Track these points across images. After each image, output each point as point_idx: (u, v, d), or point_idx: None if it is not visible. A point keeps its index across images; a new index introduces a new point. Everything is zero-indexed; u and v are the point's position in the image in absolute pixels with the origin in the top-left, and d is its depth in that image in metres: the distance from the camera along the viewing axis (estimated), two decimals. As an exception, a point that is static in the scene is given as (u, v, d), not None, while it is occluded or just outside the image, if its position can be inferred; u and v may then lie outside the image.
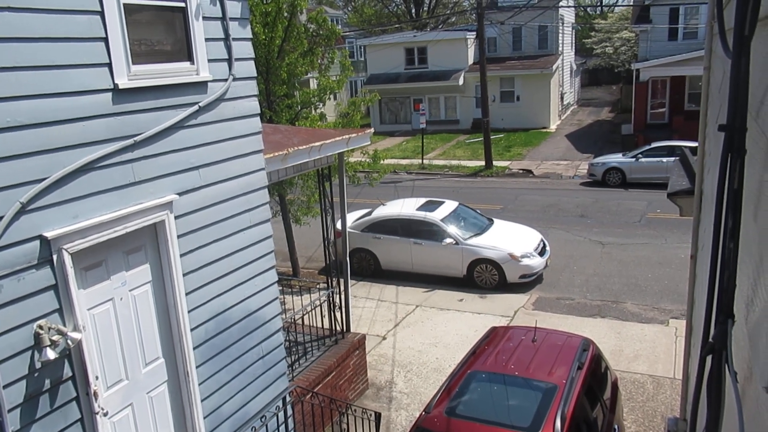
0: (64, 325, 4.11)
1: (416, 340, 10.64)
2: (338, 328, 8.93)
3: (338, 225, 9.70)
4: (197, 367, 5.31)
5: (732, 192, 1.62)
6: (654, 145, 20.73)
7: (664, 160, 19.24)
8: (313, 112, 13.01)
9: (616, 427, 6.54)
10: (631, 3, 37.15)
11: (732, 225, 1.63)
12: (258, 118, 5.90)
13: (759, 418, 1.58)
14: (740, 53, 1.54)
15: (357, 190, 16.46)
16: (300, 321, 8.56)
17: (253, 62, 5.81)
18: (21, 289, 3.86)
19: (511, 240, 13.02)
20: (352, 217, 14.12)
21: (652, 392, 8.70)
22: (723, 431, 1.86)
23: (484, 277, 12.78)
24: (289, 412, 6.57)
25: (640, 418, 8.14)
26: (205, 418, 5.41)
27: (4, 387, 3.78)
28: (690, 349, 5.28)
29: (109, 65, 4.38)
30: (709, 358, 1.74)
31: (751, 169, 1.81)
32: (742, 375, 1.80)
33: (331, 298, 8.86)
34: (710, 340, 1.73)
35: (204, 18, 5.19)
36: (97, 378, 4.43)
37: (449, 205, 14.01)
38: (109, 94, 4.40)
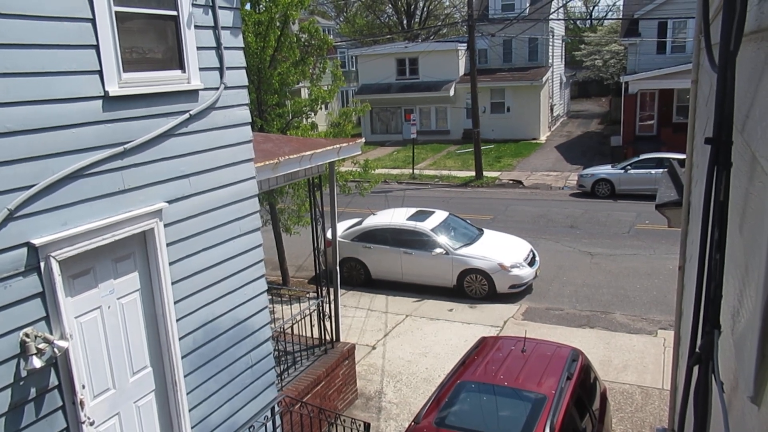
0: (51, 333, 4.07)
1: (406, 350, 10.62)
2: (328, 338, 8.90)
3: (328, 234, 9.69)
4: (185, 376, 5.27)
5: (718, 204, 1.64)
6: (643, 156, 20.91)
7: (653, 171, 19.41)
8: (305, 121, 13.03)
9: (604, 437, 6.55)
10: (621, 16, 37.58)
11: (718, 237, 1.65)
12: (249, 126, 5.90)
13: (744, 428, 1.59)
14: (726, 68, 1.56)
15: (347, 200, 16.46)
16: (289, 330, 8.52)
17: (244, 71, 5.82)
18: (7, 296, 3.83)
19: (501, 250, 13.06)
20: (342, 227, 14.11)
21: (641, 403, 8.72)
22: (710, 441, 1.87)
23: (474, 287, 12.79)
24: (278, 422, 6.53)
25: (629, 429, 8.15)
26: (192, 428, 5.36)
27: (-11, 396, 3.74)
28: (678, 359, 5.31)
29: (100, 72, 4.37)
30: (696, 369, 1.75)
31: (736, 181, 1.83)
32: (728, 385, 1.81)
33: (320, 308, 8.84)
34: (697, 350, 1.74)
35: (196, 27, 5.20)
36: (83, 387, 4.38)
37: (439, 215, 14.04)
38: (100, 102, 4.39)
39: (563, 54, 41.81)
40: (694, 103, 4.83)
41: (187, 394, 5.30)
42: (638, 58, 26.33)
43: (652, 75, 24.61)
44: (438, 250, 12.96)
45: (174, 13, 5.01)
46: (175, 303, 5.14)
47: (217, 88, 5.45)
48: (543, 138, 33.57)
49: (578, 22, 59.66)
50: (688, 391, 1.86)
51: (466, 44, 28.96)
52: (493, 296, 12.63)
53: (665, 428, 5.54)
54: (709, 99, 3.45)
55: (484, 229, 14.36)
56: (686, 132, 5.03)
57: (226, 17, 5.52)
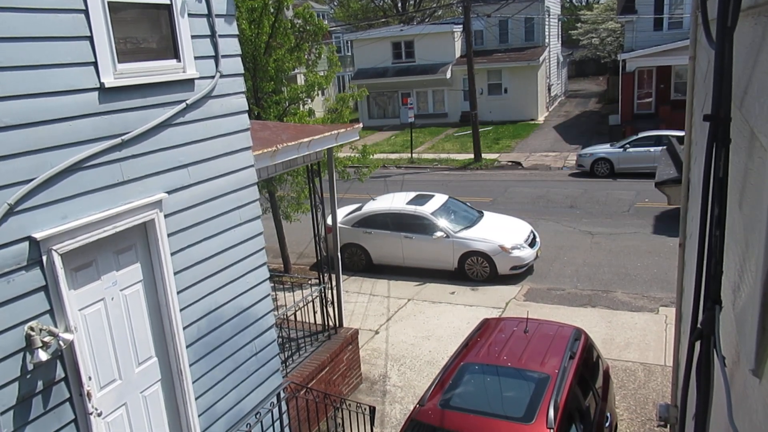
0: (56, 326, 4.09)
1: (409, 334, 10.68)
2: (331, 324, 8.94)
3: (329, 220, 9.70)
4: (190, 365, 5.31)
5: (717, 181, 1.65)
6: (641, 135, 20.85)
7: (652, 149, 19.37)
8: (302, 107, 12.98)
9: (608, 415, 6.61)
10: (617, -6, 37.21)
11: (718, 213, 1.66)
12: (246, 114, 5.88)
13: (746, 401, 1.61)
14: (723, 44, 1.56)
15: (347, 186, 16.46)
16: (292, 317, 8.56)
17: (239, 59, 5.79)
18: (10, 290, 3.84)
19: (501, 232, 13.08)
20: (342, 213, 14.12)
21: (644, 380, 8.78)
22: (712, 415, 1.89)
23: (475, 269, 12.83)
24: (284, 408, 6.58)
25: (632, 406, 8.22)
26: (199, 416, 5.41)
27: (-3, 389, 3.77)
28: (680, 336, 5.34)
29: (95, 64, 4.35)
30: (697, 344, 1.76)
31: (735, 157, 1.83)
32: (730, 359, 1.83)
33: (323, 294, 8.87)
34: (698, 326, 1.75)
35: (189, 15, 5.16)
36: (90, 378, 4.41)
37: (439, 199, 14.04)
38: (96, 93, 4.37)
39: (560, 33, 41.54)
40: (692, 79, 4.81)
41: (193, 382, 5.34)
42: (635, 35, 26.14)
43: (649, 52, 24.45)
44: (438, 234, 12.97)
45: (167, 1, 4.97)
46: (178, 293, 5.16)
47: (213, 77, 5.42)
48: (541, 119, 33.46)
49: (574, 1, 59.19)
50: (691, 366, 1.88)
51: (461, 26, 28.80)
52: (494, 278, 12.67)
53: (668, 404, 5.58)
54: (707, 75, 3.44)
55: (484, 212, 14.37)
56: (685, 109, 5.01)
57: (219, 5, 5.48)
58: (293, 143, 6.97)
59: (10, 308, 3.84)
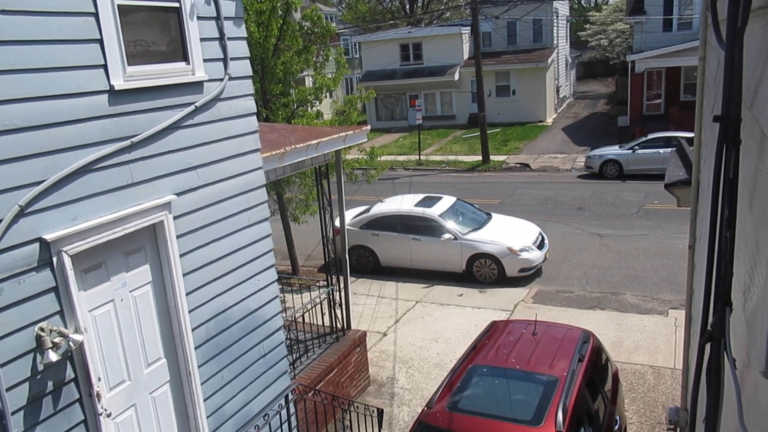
0: (66, 327, 4.12)
1: (417, 336, 10.67)
2: (339, 326, 8.94)
3: (337, 222, 9.71)
4: (199, 366, 5.32)
5: (728, 182, 1.64)
6: (650, 136, 20.75)
7: (661, 151, 19.28)
8: (310, 110, 13.01)
9: (617, 418, 6.57)
10: (625, -5, 37.05)
11: (728, 214, 1.65)
12: (254, 117, 5.90)
13: (757, 403, 1.60)
14: (733, 44, 1.55)
15: (355, 188, 16.46)
16: (300, 319, 8.57)
17: (248, 61, 5.82)
18: (21, 291, 3.87)
19: (509, 234, 13.04)
20: (350, 215, 14.12)
21: (653, 383, 8.73)
22: (723, 418, 1.88)
23: (484, 271, 12.80)
24: (292, 410, 6.59)
25: (641, 409, 8.17)
26: (208, 417, 5.42)
27: (7, 390, 3.79)
28: (690, 338, 5.30)
29: (105, 66, 4.38)
30: (708, 347, 1.75)
31: (746, 158, 1.82)
32: (740, 361, 1.81)
33: (331, 296, 8.88)
34: (709, 328, 1.74)
35: (198, 18, 5.19)
36: (99, 379, 4.44)
37: (447, 201, 14.02)
38: (105, 96, 4.40)
39: (568, 34, 41.44)
40: (701, 80, 4.78)
41: (202, 384, 5.35)
42: (644, 36, 26.02)
43: (658, 53, 24.34)
44: (446, 236, 12.95)
45: (176, 4, 5.00)
46: (187, 294, 5.18)
47: (222, 79, 5.45)
48: (549, 120, 33.38)
49: (582, 2, 59.01)
50: (701, 369, 1.87)
51: (469, 27, 28.79)
52: (502, 280, 12.63)
53: (678, 407, 5.54)
54: (716, 76, 3.42)
55: (492, 214, 14.34)
56: (694, 110, 4.98)
57: (228, 7, 5.51)
58: (301, 145, 6.99)
59: (20, 309, 3.87)
